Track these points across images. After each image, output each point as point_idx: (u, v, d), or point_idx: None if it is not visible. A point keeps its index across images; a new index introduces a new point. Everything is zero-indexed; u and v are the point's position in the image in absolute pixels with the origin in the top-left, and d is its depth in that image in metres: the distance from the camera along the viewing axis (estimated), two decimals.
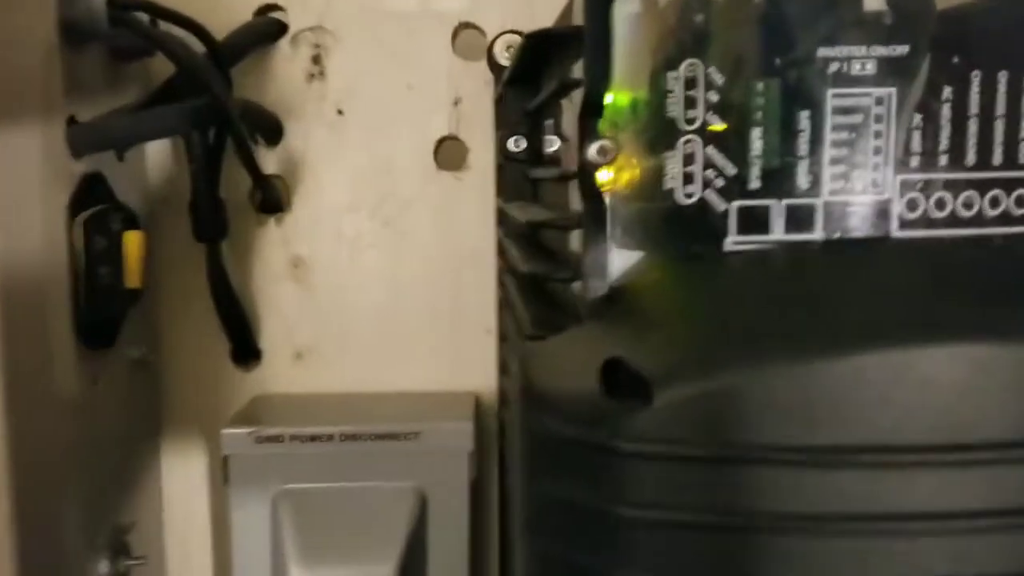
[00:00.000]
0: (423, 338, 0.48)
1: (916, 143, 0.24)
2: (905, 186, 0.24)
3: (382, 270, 0.48)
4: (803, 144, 0.24)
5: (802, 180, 0.24)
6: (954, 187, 0.24)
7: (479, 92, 0.47)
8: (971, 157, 0.24)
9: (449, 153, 0.48)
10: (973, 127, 0.24)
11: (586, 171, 0.24)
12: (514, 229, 0.36)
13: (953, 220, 0.24)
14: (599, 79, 0.24)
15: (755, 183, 0.24)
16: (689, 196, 0.24)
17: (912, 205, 0.24)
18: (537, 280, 0.30)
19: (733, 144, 0.24)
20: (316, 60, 0.47)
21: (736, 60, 0.24)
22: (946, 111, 0.24)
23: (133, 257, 0.39)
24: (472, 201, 0.47)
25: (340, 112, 0.47)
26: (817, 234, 0.24)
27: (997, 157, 0.24)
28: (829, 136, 0.24)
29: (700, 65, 0.24)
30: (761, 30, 0.24)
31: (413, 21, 0.46)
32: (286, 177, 0.47)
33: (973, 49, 0.24)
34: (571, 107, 0.25)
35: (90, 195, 0.38)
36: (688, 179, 0.24)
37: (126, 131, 0.38)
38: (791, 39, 0.24)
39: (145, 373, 0.46)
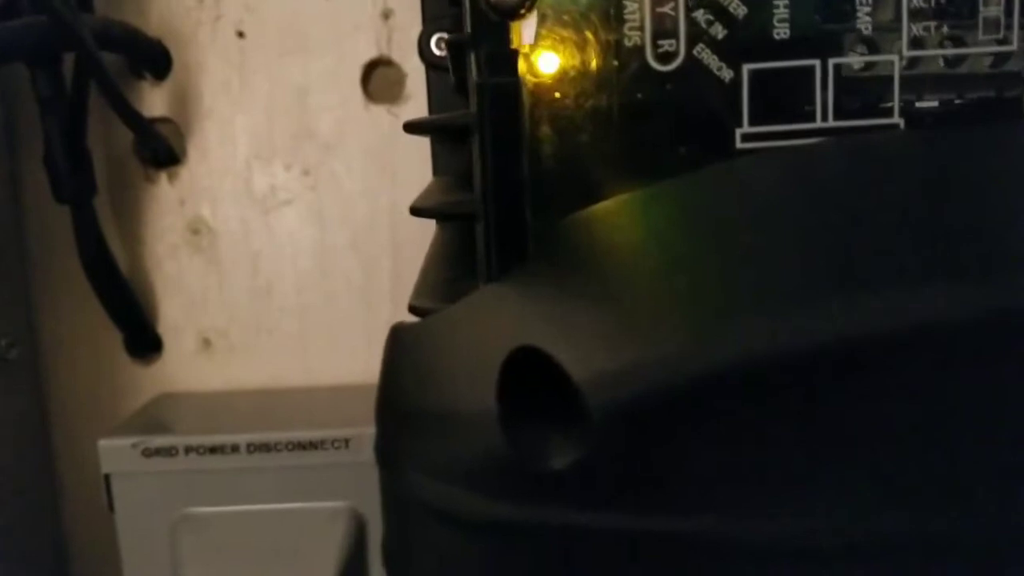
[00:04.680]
0: (357, 318, 0.38)
1: None
2: None
3: (303, 232, 0.38)
4: None
5: (863, 21, 0.14)
6: None
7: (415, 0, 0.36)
8: None
9: (381, 81, 0.37)
10: None
11: (482, 25, 0.14)
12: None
13: None
14: None
15: (782, 29, 0.14)
16: (667, 58, 0.14)
17: None
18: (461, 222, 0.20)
19: None
20: None
21: None
22: None
23: None
24: (413, 140, 0.37)
25: (240, 34, 0.37)
26: (894, 118, 0.14)
27: None
28: None
29: None
30: None
31: None
32: (177, 120, 0.37)
33: None
34: None
35: None
36: (663, 28, 0.14)
37: None
38: None
39: (15, 374, 0.37)
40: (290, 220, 0.38)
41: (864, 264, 0.12)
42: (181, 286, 0.38)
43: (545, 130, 0.14)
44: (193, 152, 0.37)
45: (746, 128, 0.14)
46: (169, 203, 0.38)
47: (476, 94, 0.14)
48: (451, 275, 0.15)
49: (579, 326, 0.12)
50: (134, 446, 0.34)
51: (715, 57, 0.14)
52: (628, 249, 0.13)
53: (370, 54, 0.37)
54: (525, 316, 0.13)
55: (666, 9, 0.14)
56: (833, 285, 0.12)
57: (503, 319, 0.13)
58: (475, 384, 0.12)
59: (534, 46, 0.14)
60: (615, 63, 0.14)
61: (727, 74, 0.14)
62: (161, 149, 0.37)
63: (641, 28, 0.14)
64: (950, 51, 0.14)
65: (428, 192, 0.18)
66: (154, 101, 0.37)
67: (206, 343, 0.39)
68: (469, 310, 0.13)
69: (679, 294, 0.12)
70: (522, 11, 0.14)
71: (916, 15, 0.14)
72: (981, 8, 0.14)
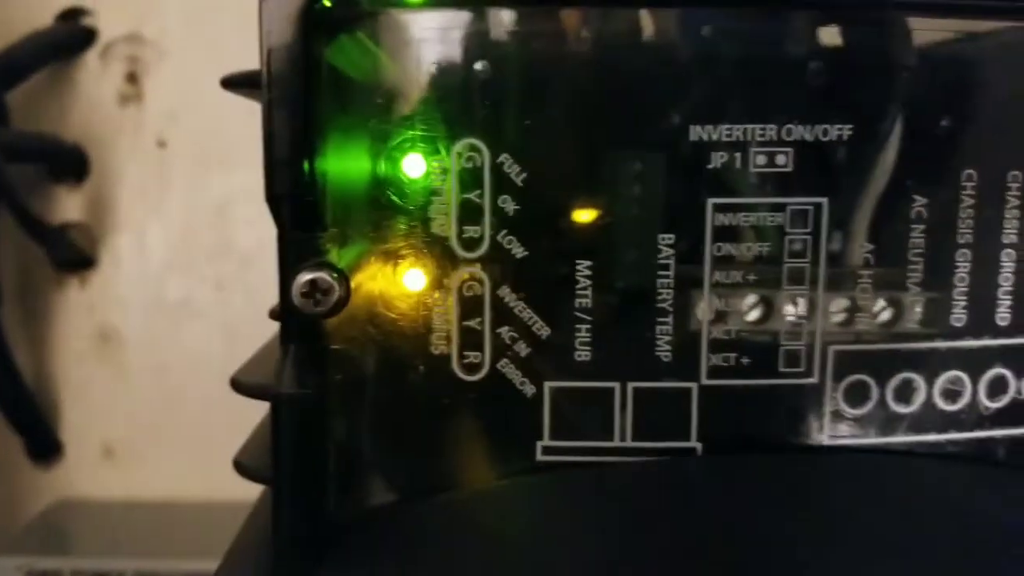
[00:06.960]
0: None
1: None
2: (843, 362, 0.14)
3: (213, 346, 0.37)
4: (665, 293, 0.14)
5: (663, 350, 0.14)
6: (933, 363, 0.14)
7: None
8: (961, 314, 0.14)
9: None
10: (965, 265, 0.14)
11: (292, 324, 0.14)
12: None
13: (927, 419, 0.14)
14: (295, 152, 0.14)
15: (584, 352, 0.14)
16: (473, 370, 0.14)
17: (856, 394, 0.14)
18: None
19: (546, 285, 0.14)
20: (132, 79, 0.36)
21: (547, 142, 0.14)
22: (917, 236, 0.14)
23: None
24: None
25: (161, 144, 0.37)
26: (691, 441, 0.14)
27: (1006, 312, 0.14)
28: (709, 277, 0.14)
29: (485, 149, 0.14)
30: (589, 94, 0.13)
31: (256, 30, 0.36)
32: (92, 225, 0.37)
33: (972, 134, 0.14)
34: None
35: None
36: (471, 342, 0.14)
37: None
38: (642, 110, 0.13)
39: None
40: (201, 333, 0.37)
41: None
42: (86, 393, 0.38)
43: (351, 429, 0.14)
44: (106, 258, 0.37)
45: (546, 441, 0.14)
46: (79, 309, 0.37)
47: (273, 408, 0.14)
48: (259, 553, 0.15)
49: None
50: (19, 567, 0.33)
51: (518, 372, 0.14)
52: (408, 567, 0.13)
53: None
54: None
55: (473, 323, 0.14)
56: None
57: None
58: None
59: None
60: (421, 369, 0.14)
61: (529, 389, 0.14)
62: (72, 256, 0.36)
63: (448, 339, 0.14)
64: (747, 381, 0.14)
65: (254, 436, 0.18)
66: (70, 204, 0.37)
67: (108, 451, 0.38)
68: None
69: None
70: (331, 315, 0.14)
71: (715, 346, 0.14)
72: (782, 342, 0.14)
